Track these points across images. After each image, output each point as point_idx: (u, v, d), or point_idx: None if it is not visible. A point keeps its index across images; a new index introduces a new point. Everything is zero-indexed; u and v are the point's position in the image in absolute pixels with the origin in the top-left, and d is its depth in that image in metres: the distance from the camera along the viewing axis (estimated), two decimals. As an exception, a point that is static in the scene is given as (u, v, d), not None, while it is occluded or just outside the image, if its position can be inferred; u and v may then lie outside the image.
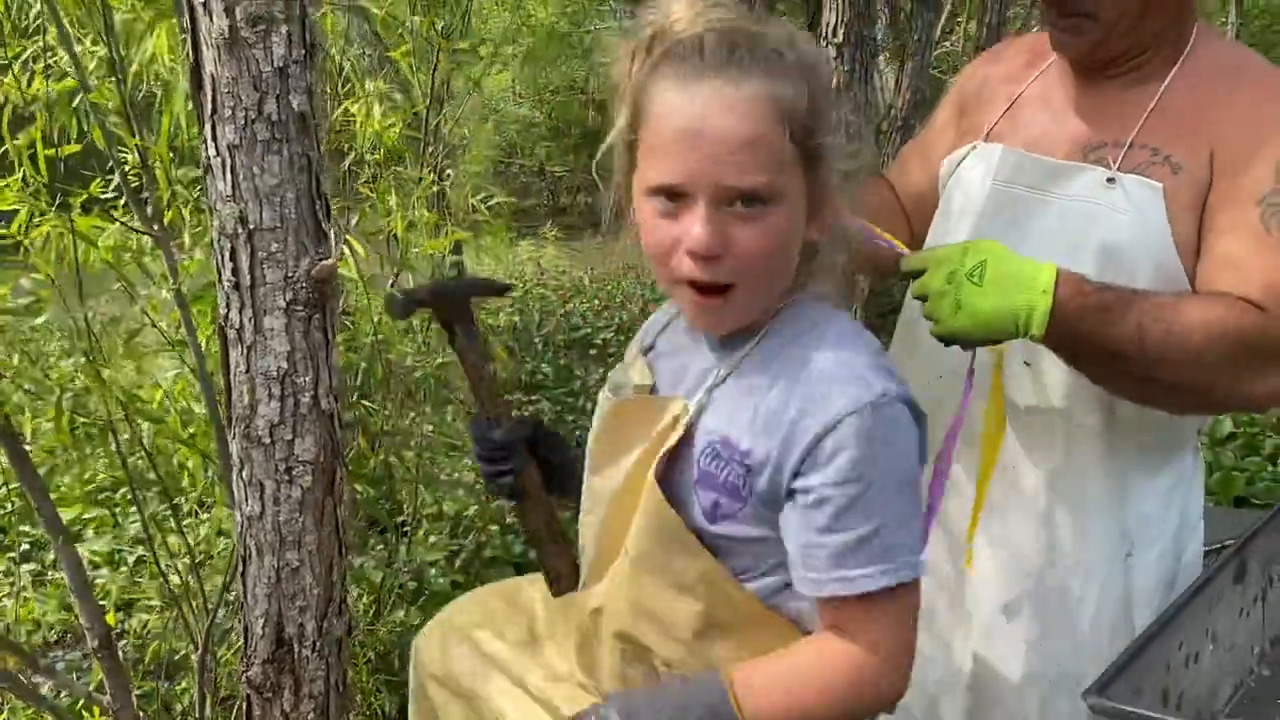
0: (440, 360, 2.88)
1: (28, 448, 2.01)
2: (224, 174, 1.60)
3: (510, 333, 8.15)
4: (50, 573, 3.87)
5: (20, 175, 2.16)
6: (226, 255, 1.64)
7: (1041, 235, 1.44)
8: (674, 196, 1.06)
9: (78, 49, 2.17)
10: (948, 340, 1.31)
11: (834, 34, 4.11)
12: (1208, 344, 1.26)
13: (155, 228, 2.12)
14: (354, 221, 2.78)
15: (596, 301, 10.23)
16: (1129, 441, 1.47)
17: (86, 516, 4.05)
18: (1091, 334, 1.27)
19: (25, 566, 3.90)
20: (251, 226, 1.61)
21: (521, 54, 12.83)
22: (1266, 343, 1.29)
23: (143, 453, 2.20)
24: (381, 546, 3.50)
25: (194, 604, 2.38)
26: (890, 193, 1.76)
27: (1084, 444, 1.47)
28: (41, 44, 2.18)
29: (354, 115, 2.81)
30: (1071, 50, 1.44)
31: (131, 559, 3.87)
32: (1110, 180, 1.39)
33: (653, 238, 1.10)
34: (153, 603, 2.65)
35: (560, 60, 14.34)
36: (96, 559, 3.86)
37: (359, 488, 2.57)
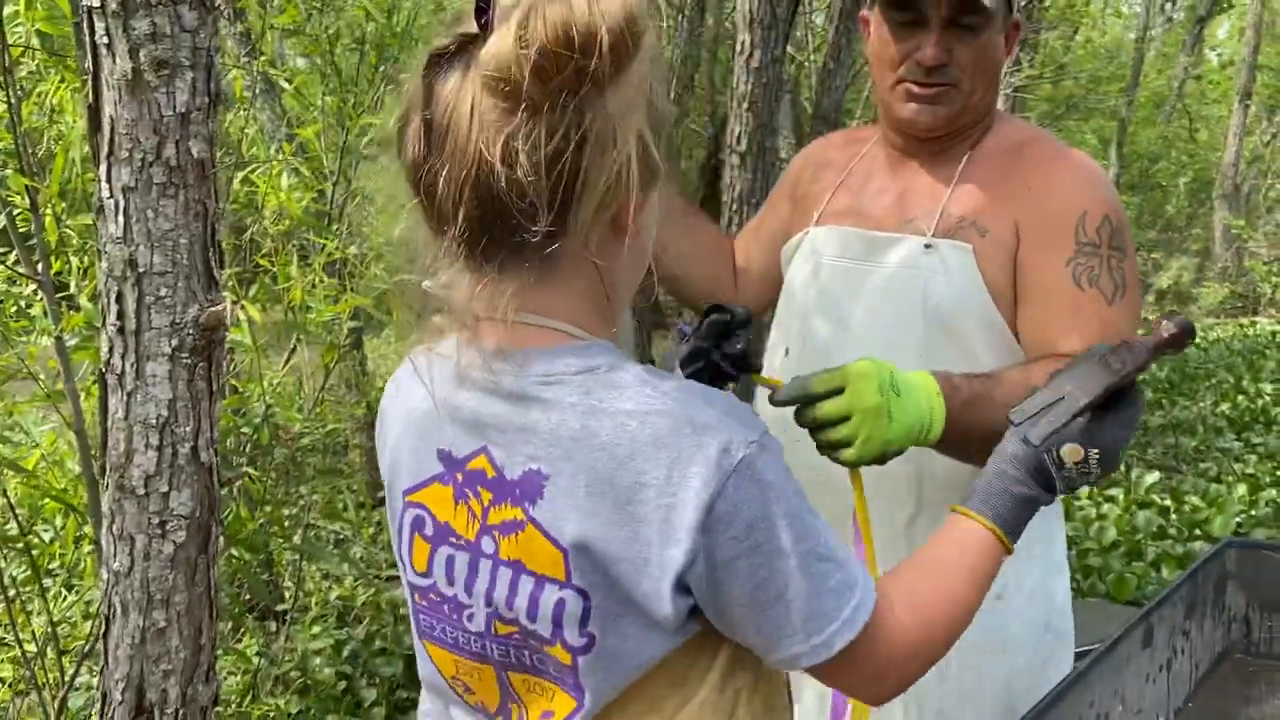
0: (330, 428, 2.83)
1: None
2: (116, 216, 1.58)
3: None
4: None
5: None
6: (113, 298, 1.61)
7: (873, 300, 1.55)
8: None
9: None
10: (879, 460, 1.28)
11: (738, 143, 4.28)
12: None
13: (40, 274, 2.07)
14: (251, 290, 2.75)
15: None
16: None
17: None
18: (970, 425, 1.32)
19: None
20: (141, 270, 1.59)
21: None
22: None
23: (7, 508, 2.10)
24: (260, 633, 3.38)
25: (49, 676, 2.25)
26: (729, 246, 1.88)
27: (934, 492, 1.53)
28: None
29: (256, 185, 2.80)
30: (926, 120, 1.52)
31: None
32: (928, 246, 1.51)
33: None
34: (4, 676, 2.49)
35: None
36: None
37: (235, 553, 2.48)
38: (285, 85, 3.14)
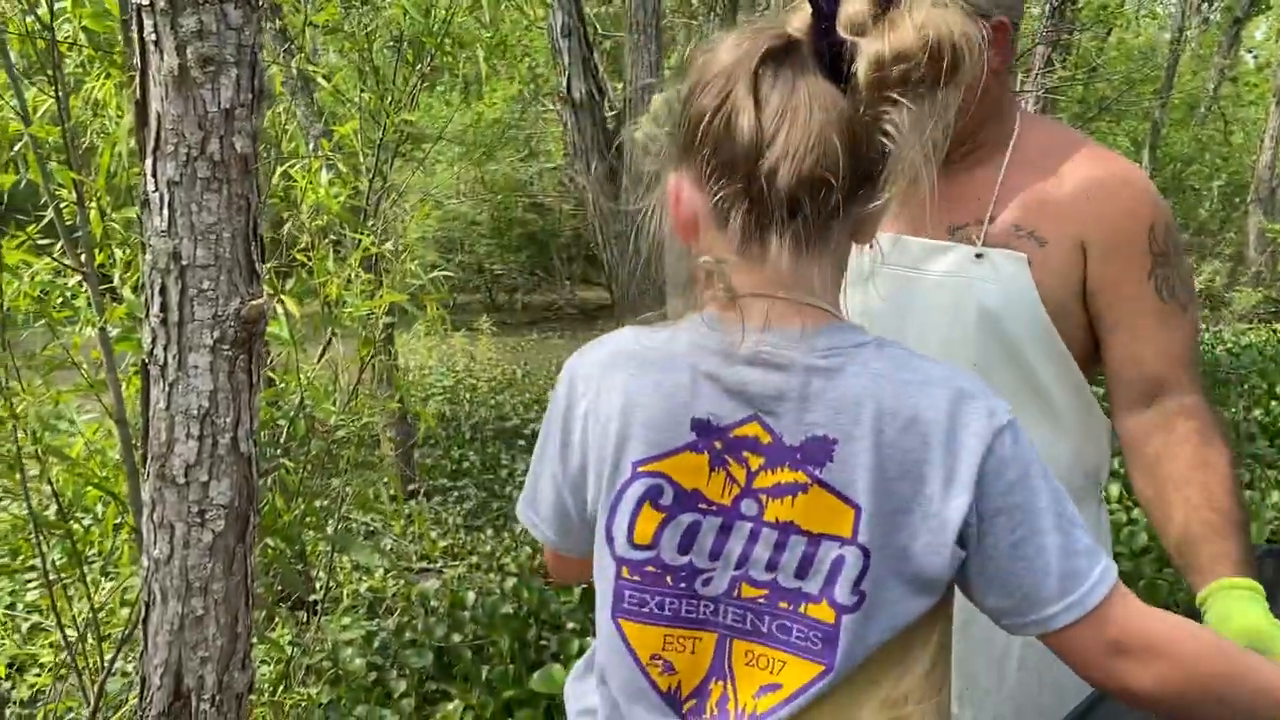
0: (365, 421, 2.87)
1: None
2: (161, 209, 1.61)
3: (440, 421, 8.11)
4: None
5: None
6: (156, 290, 1.64)
7: (926, 303, 1.58)
8: None
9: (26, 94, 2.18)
10: None
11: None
12: None
13: (85, 266, 2.11)
14: (289, 284, 2.78)
15: (527, 395, 10.25)
16: None
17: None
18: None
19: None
20: (184, 262, 1.62)
21: (463, 151, 13.04)
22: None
23: (50, 493, 2.14)
24: (292, 622, 3.42)
25: (89, 661, 2.29)
26: None
27: None
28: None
29: (295, 180, 2.84)
30: None
31: (25, 625, 3.72)
32: (979, 255, 1.53)
33: None
34: (45, 660, 2.53)
35: (504, 157, 14.60)
36: (-13, 625, 3.71)
37: (271, 542, 2.52)
38: (322, 82, 3.17)
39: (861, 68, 0.92)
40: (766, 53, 0.94)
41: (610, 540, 1.01)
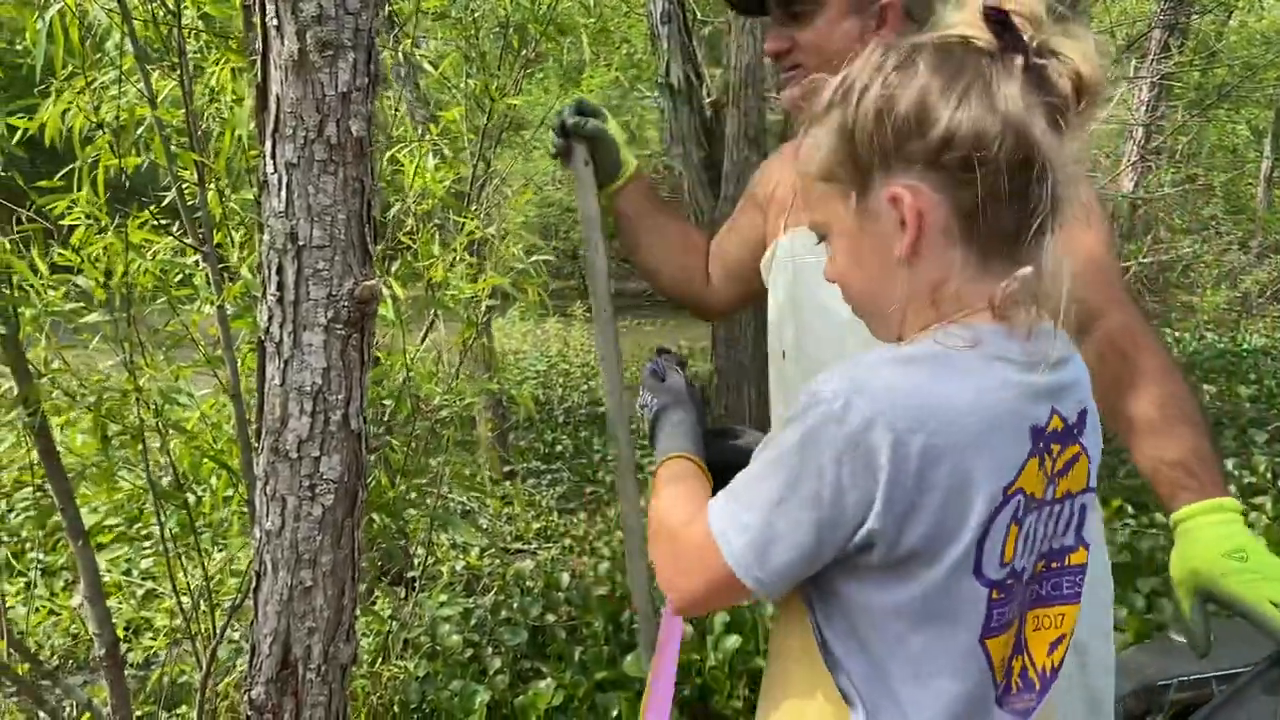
0: (469, 401, 2.91)
1: (59, 450, 2.04)
2: (279, 191, 1.65)
3: (534, 405, 8.20)
4: (56, 599, 3.88)
5: (83, 193, 2.24)
6: (273, 270, 1.68)
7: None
8: None
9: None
10: None
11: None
12: None
13: (204, 245, 2.18)
14: (394, 266, 2.84)
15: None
16: None
17: (110, 524, 4.06)
18: None
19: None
20: (301, 243, 1.66)
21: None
22: None
23: (168, 465, 2.22)
24: (391, 597, 3.49)
25: (202, 626, 2.37)
26: (700, 242, 2.04)
27: None
28: (117, 72, 2.28)
29: (402, 165, 2.89)
30: (788, 102, 1.66)
31: (140, 591, 3.88)
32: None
33: None
34: (161, 624, 2.64)
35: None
36: (106, 588, 3.87)
37: (375, 517, 2.58)
38: (429, 68, 3.22)
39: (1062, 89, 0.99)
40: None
41: (979, 567, 0.98)
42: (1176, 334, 11.05)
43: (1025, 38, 0.98)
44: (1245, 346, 10.78)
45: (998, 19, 0.97)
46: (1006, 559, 0.98)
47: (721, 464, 1.26)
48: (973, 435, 0.94)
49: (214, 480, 2.31)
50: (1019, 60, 0.97)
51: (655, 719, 1.43)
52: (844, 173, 1.04)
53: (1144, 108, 10.67)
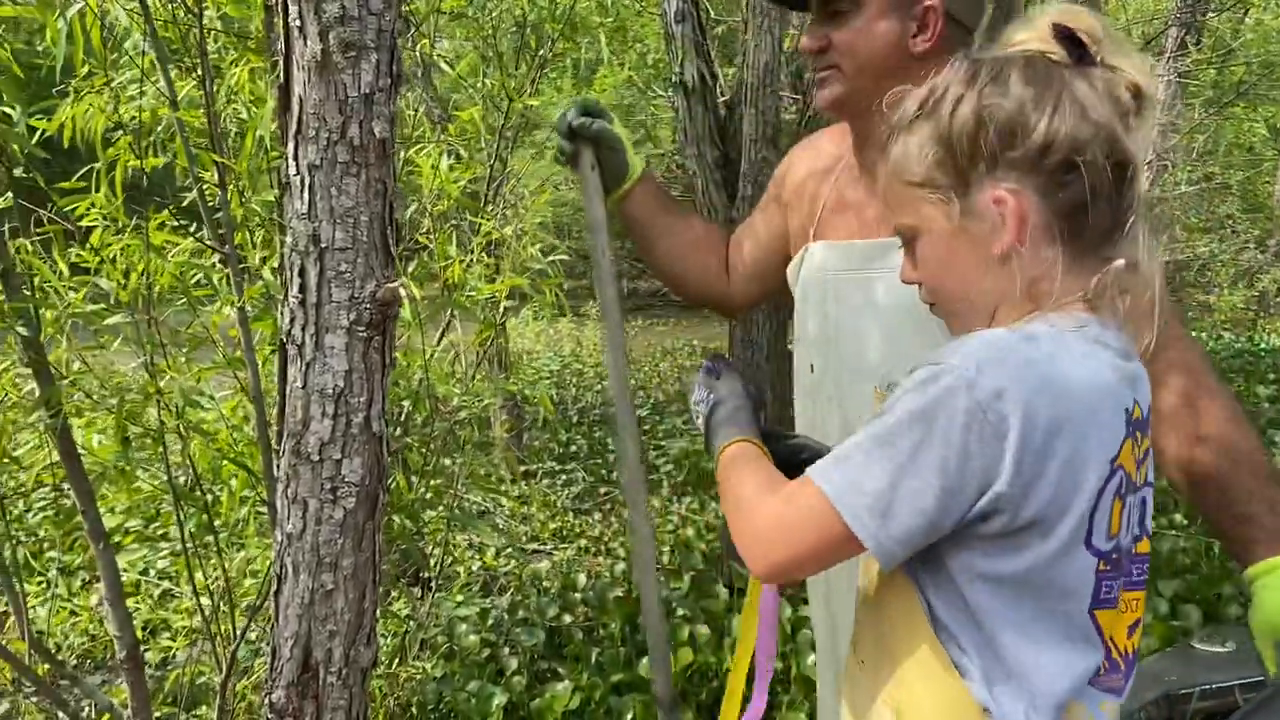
0: (486, 402, 2.90)
1: (80, 451, 2.04)
2: (302, 192, 1.64)
3: (547, 405, 8.19)
4: (76, 599, 3.89)
5: (100, 194, 2.24)
6: (295, 271, 1.67)
7: (884, 305, 1.63)
8: None
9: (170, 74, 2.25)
10: None
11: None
12: None
13: (225, 246, 2.18)
14: (411, 267, 2.83)
15: (633, 381, 10.30)
16: None
17: (128, 525, 4.07)
18: None
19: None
20: (323, 245, 1.65)
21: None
22: None
23: (188, 467, 2.21)
24: (408, 598, 3.49)
25: (221, 628, 2.37)
26: (716, 241, 2.01)
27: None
28: (138, 71, 2.27)
29: (418, 165, 2.88)
30: (822, 102, 1.65)
31: (157, 592, 3.88)
32: None
33: None
34: (179, 624, 2.64)
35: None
36: (126, 587, 3.88)
37: (395, 518, 2.58)
38: (447, 68, 3.21)
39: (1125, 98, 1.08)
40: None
41: (1090, 538, 1.03)
42: (1193, 334, 10.98)
43: (1092, 52, 1.08)
44: (1263, 346, 10.72)
45: (1068, 36, 1.08)
46: (1113, 532, 1.05)
47: (778, 464, 1.27)
48: (1087, 409, 1.00)
49: (233, 481, 2.31)
50: (1095, 72, 1.07)
51: (759, 696, 1.50)
52: (943, 177, 1.10)
53: (1160, 106, 10.62)
